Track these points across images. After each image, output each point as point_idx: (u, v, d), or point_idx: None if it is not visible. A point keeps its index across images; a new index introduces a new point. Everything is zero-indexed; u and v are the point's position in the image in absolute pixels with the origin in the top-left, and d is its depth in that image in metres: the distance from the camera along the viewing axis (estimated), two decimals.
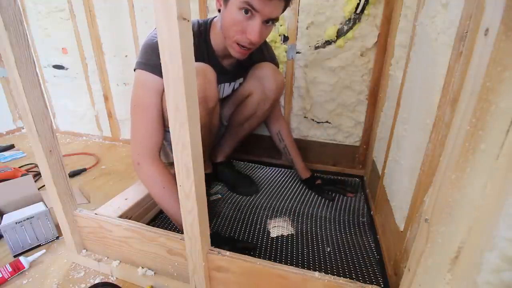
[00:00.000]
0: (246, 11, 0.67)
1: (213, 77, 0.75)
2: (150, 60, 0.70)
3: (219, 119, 0.99)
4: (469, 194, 0.28)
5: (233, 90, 0.98)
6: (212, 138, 0.98)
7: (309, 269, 0.57)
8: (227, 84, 0.94)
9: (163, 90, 0.71)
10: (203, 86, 0.71)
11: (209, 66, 0.74)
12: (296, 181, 1.11)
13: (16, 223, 0.72)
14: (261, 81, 0.92)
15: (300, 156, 1.06)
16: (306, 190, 1.04)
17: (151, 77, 0.70)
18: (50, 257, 0.73)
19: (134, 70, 0.73)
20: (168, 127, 0.81)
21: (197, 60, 0.74)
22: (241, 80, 0.97)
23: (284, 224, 0.83)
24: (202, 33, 0.81)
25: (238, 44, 0.73)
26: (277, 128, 1.06)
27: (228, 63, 0.88)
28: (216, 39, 0.81)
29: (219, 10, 0.73)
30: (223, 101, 1.04)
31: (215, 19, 0.82)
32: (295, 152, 1.06)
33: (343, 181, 1.10)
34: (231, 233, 0.80)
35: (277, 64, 1.00)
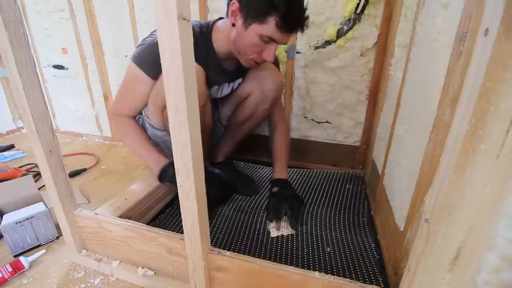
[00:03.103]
0: (266, 41, 0.73)
1: (201, 75, 0.78)
2: (143, 55, 0.75)
3: (213, 118, 0.99)
4: (469, 194, 0.28)
5: (232, 90, 0.98)
6: (207, 137, 0.98)
7: (309, 269, 0.57)
8: (226, 84, 0.94)
9: (149, 87, 0.79)
10: None
11: (198, 65, 0.76)
12: (296, 181, 1.10)
13: (16, 223, 0.72)
14: (260, 81, 0.92)
15: (281, 154, 0.98)
16: (306, 190, 1.04)
17: (137, 70, 0.76)
18: (50, 257, 0.73)
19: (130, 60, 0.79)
20: (156, 125, 0.85)
21: (198, 59, 0.75)
22: (239, 80, 0.97)
23: (284, 224, 0.82)
24: (204, 34, 0.82)
25: (253, 60, 0.80)
26: (272, 126, 1.04)
27: (228, 64, 0.88)
28: (218, 41, 0.82)
29: (233, 24, 0.75)
30: (222, 101, 1.04)
31: (218, 23, 0.83)
32: (277, 148, 0.99)
33: (301, 202, 0.87)
34: (231, 233, 0.80)
35: (277, 64, 1.00)
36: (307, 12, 0.73)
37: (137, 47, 0.78)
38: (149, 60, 0.74)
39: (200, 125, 0.83)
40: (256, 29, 0.71)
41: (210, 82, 0.86)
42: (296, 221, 0.80)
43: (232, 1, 0.72)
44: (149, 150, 0.83)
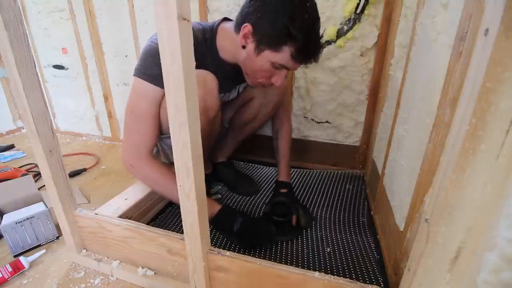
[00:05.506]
0: (278, 68, 0.71)
1: (214, 85, 0.73)
2: (149, 69, 0.68)
3: (221, 124, 0.98)
4: (469, 194, 0.28)
5: (238, 93, 0.96)
6: (212, 141, 0.98)
7: (309, 269, 0.57)
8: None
9: (161, 100, 0.71)
10: (203, 96, 0.70)
11: (210, 73, 0.73)
12: (296, 181, 1.10)
13: (16, 223, 0.72)
14: None
15: (286, 158, 0.98)
16: (306, 190, 1.04)
17: (150, 86, 0.69)
18: (50, 257, 0.73)
19: (134, 75, 0.72)
20: (165, 133, 0.80)
21: (204, 68, 0.71)
22: (245, 83, 0.97)
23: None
24: (207, 40, 0.77)
25: (260, 83, 0.78)
26: (276, 126, 1.04)
27: (233, 66, 0.86)
28: (223, 45, 0.78)
29: (243, 46, 0.71)
30: (226, 103, 1.03)
31: (222, 25, 0.78)
32: (283, 152, 0.99)
33: (306, 211, 0.88)
34: None
35: None
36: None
37: (139, 60, 0.72)
38: (153, 70, 0.67)
39: (208, 134, 0.83)
40: (269, 55, 0.68)
41: (219, 90, 0.81)
42: (310, 217, 0.85)
43: (245, 24, 0.67)
44: None
